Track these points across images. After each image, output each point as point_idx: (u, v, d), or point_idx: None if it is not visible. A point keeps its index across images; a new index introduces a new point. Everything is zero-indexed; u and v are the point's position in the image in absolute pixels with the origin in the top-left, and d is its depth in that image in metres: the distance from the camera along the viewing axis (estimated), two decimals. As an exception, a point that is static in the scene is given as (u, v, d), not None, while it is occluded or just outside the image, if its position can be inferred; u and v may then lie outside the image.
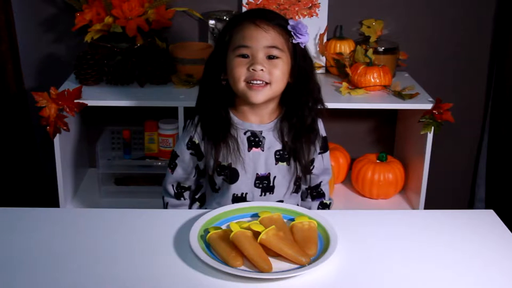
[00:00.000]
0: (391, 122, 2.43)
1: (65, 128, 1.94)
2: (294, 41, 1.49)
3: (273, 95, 1.51)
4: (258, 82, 1.46)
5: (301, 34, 1.48)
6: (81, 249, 1.28)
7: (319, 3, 2.23)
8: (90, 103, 1.95)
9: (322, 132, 1.63)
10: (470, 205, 2.59)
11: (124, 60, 2.09)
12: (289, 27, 1.48)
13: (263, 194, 1.57)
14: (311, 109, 1.56)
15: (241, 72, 1.46)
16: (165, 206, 1.69)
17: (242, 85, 1.48)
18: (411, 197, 2.22)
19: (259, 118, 1.56)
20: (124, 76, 2.08)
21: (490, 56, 2.39)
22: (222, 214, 1.40)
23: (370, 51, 2.11)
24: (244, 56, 1.47)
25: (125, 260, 1.25)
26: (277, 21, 1.49)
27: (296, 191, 1.63)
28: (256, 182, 1.56)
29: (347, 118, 2.38)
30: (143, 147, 2.30)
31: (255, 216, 1.41)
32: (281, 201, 1.59)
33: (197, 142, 1.57)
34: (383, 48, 2.18)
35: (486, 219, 1.45)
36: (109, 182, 2.23)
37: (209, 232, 1.30)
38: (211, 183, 1.61)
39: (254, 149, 1.55)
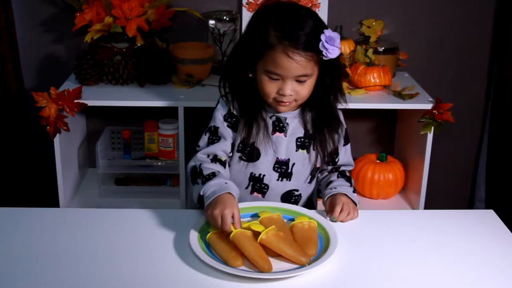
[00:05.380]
0: (391, 122, 2.43)
1: (65, 128, 1.94)
2: (324, 58, 1.46)
3: (298, 106, 1.56)
4: (286, 102, 1.50)
5: (331, 53, 1.44)
6: (81, 249, 1.28)
7: (319, 3, 2.23)
8: (90, 103, 1.95)
9: (343, 123, 1.66)
10: (470, 205, 2.59)
11: (124, 60, 2.09)
12: (320, 46, 1.43)
13: (280, 179, 1.59)
14: (333, 100, 1.59)
15: (270, 92, 1.49)
16: (192, 171, 1.53)
17: (270, 100, 1.51)
18: (411, 197, 2.22)
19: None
20: (124, 76, 2.08)
21: (490, 56, 2.39)
22: (222, 214, 1.40)
23: (370, 51, 2.11)
24: (274, 78, 1.47)
25: (125, 260, 1.25)
26: (310, 43, 1.43)
27: (310, 181, 1.65)
28: (275, 166, 1.58)
29: (347, 118, 2.35)
30: (143, 147, 2.30)
31: (255, 216, 1.41)
32: (297, 190, 1.61)
33: (236, 113, 1.57)
34: (383, 48, 2.18)
35: (486, 219, 1.45)
36: (109, 182, 2.23)
37: (209, 232, 1.30)
38: None
39: (277, 133, 1.57)
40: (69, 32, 2.22)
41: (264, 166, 1.58)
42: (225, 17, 2.18)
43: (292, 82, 1.47)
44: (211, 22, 2.19)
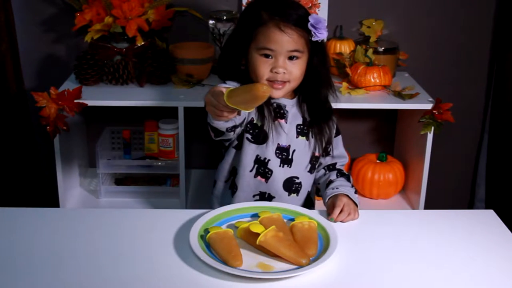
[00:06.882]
0: (391, 122, 2.43)
1: (65, 128, 1.94)
2: (313, 39, 1.53)
3: (291, 90, 1.59)
4: (280, 81, 1.54)
5: (320, 33, 1.53)
6: (81, 249, 1.28)
7: (319, 3, 2.23)
8: (90, 103, 1.95)
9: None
10: (470, 205, 2.58)
11: (124, 60, 2.09)
12: (309, 26, 1.52)
13: (281, 165, 1.62)
14: (324, 90, 1.63)
15: (264, 72, 1.54)
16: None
17: (264, 83, 1.53)
18: (411, 197, 2.22)
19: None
20: (124, 76, 2.08)
21: (490, 56, 2.39)
22: (222, 214, 1.40)
23: (370, 51, 2.11)
24: (267, 56, 1.53)
25: (125, 260, 1.25)
26: (300, 21, 1.52)
27: (310, 171, 1.67)
28: (277, 151, 1.61)
29: (347, 118, 2.38)
30: (143, 147, 2.30)
31: (255, 216, 1.41)
32: (297, 177, 1.64)
33: None
34: (383, 48, 2.18)
35: (486, 219, 1.45)
36: (109, 182, 2.23)
37: (209, 232, 1.30)
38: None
39: (279, 120, 1.60)
40: (69, 32, 2.22)
41: (270, 151, 1.60)
42: (225, 17, 2.18)
43: (284, 59, 1.52)
44: (211, 22, 2.19)
